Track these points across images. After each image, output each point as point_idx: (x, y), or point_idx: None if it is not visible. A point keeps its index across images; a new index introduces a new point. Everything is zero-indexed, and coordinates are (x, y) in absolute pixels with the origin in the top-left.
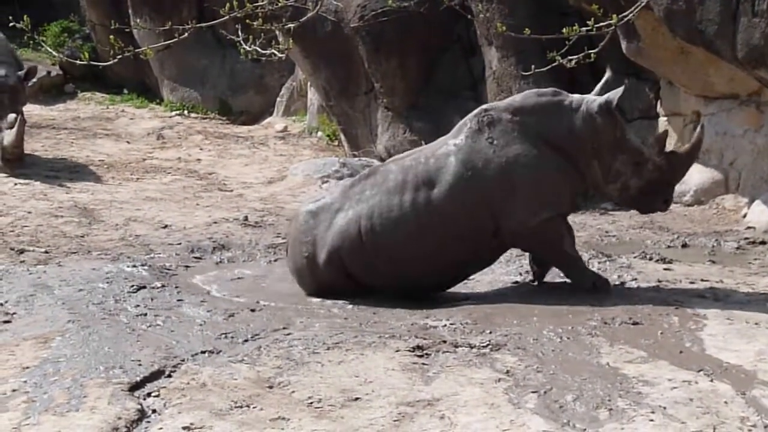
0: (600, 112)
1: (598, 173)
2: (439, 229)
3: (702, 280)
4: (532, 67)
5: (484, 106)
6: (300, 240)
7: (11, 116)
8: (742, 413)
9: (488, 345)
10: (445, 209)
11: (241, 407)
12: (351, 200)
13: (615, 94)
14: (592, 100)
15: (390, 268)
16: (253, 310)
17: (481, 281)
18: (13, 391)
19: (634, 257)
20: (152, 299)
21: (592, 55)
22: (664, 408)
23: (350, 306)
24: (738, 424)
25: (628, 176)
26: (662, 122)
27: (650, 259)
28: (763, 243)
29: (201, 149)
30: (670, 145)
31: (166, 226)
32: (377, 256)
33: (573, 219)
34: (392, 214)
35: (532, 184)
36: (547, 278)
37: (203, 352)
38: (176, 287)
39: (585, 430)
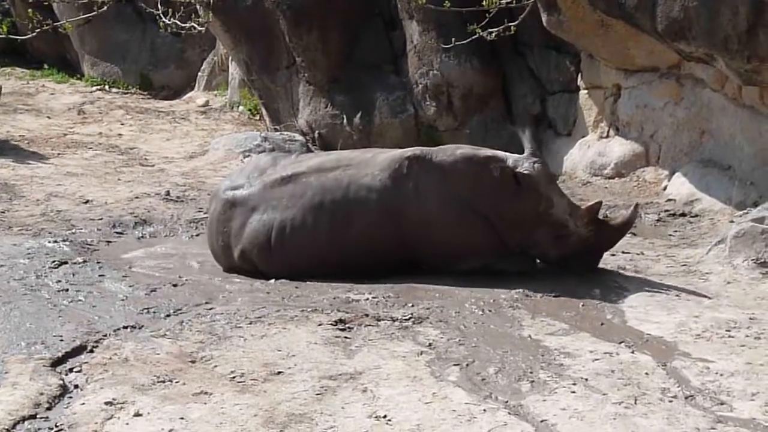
0: (524, 182)
1: (516, 240)
2: (350, 262)
3: (623, 252)
4: (453, 40)
5: (417, 153)
6: (217, 228)
7: None
8: (663, 384)
9: (410, 318)
10: (359, 245)
11: (164, 382)
12: (267, 203)
13: (531, 167)
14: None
15: (296, 274)
16: (175, 285)
17: None
18: None
19: None
20: (74, 274)
21: (512, 27)
22: (586, 380)
23: (272, 280)
24: (659, 395)
25: (548, 247)
26: (583, 95)
27: None
28: (683, 215)
29: (122, 124)
30: (590, 118)
31: (87, 202)
32: (285, 265)
33: None
34: (304, 233)
35: (448, 244)
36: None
37: (125, 327)
38: (98, 262)
39: (507, 402)
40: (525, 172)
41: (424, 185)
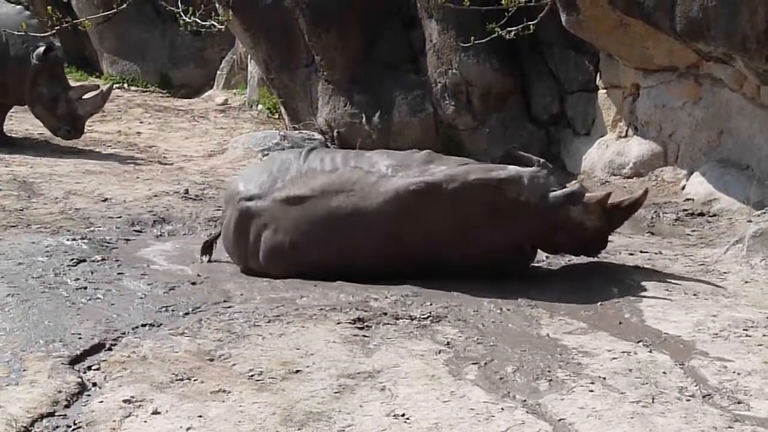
0: (554, 205)
1: (537, 242)
2: (361, 272)
3: (641, 252)
4: (472, 39)
5: (423, 185)
6: (234, 236)
7: (88, 85)
8: (681, 383)
9: (429, 317)
10: (372, 261)
11: (182, 380)
12: (279, 222)
13: (575, 192)
14: (543, 193)
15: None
16: (193, 283)
17: None
18: None
19: None
20: (92, 272)
21: (531, 27)
22: (604, 378)
23: (290, 279)
24: (676, 394)
25: (566, 246)
26: (601, 94)
27: None
28: (701, 214)
29: (141, 122)
30: (609, 117)
31: (106, 200)
32: (302, 275)
33: None
34: (314, 254)
35: (456, 264)
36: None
37: (144, 326)
38: (116, 260)
39: (525, 401)
40: (557, 197)
41: (433, 217)
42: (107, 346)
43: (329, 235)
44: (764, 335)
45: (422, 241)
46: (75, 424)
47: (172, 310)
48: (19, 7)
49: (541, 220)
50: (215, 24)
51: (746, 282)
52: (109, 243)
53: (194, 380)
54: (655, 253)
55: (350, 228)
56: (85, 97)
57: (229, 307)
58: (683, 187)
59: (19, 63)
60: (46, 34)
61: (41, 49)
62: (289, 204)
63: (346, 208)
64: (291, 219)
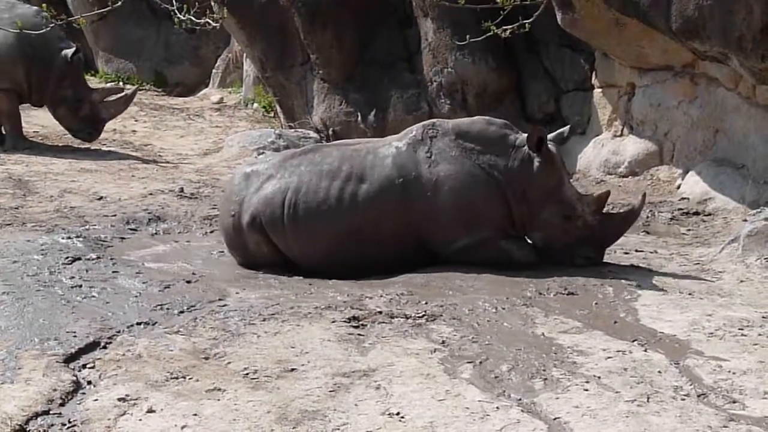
0: (543, 152)
1: (525, 216)
2: (358, 227)
3: (636, 251)
4: (467, 37)
5: (433, 120)
6: (230, 199)
7: (112, 87)
8: (676, 383)
9: (424, 316)
10: (368, 209)
11: (177, 378)
12: (285, 170)
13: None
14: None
15: (302, 246)
16: (188, 282)
17: None
18: None
19: None
20: (87, 271)
21: (526, 25)
22: (599, 378)
23: (286, 277)
24: (671, 394)
25: (554, 229)
26: (597, 93)
27: None
28: (696, 214)
29: (136, 121)
30: (604, 116)
31: (101, 198)
32: (294, 230)
33: None
34: (317, 196)
35: (457, 207)
36: None
37: (139, 324)
38: (111, 259)
39: (520, 399)
40: (549, 143)
41: (441, 148)
42: (102, 344)
43: (337, 175)
44: (759, 334)
45: (424, 176)
46: (70, 422)
47: (167, 309)
48: (36, 8)
49: (533, 171)
50: (210, 22)
51: (741, 281)
52: (104, 241)
53: (189, 378)
54: (651, 252)
55: (360, 166)
56: (108, 99)
57: (224, 305)
58: (678, 186)
59: (42, 64)
60: (41, 31)
61: (70, 51)
62: (302, 154)
63: (361, 150)
64: (300, 163)
